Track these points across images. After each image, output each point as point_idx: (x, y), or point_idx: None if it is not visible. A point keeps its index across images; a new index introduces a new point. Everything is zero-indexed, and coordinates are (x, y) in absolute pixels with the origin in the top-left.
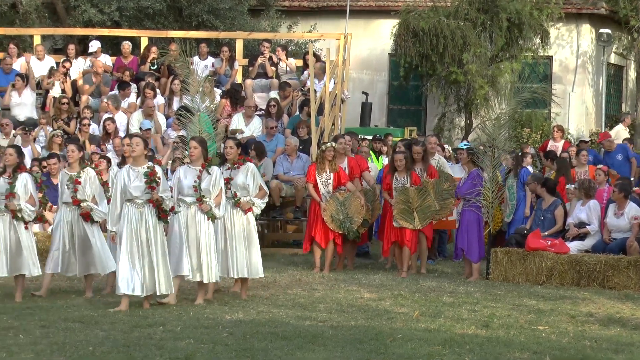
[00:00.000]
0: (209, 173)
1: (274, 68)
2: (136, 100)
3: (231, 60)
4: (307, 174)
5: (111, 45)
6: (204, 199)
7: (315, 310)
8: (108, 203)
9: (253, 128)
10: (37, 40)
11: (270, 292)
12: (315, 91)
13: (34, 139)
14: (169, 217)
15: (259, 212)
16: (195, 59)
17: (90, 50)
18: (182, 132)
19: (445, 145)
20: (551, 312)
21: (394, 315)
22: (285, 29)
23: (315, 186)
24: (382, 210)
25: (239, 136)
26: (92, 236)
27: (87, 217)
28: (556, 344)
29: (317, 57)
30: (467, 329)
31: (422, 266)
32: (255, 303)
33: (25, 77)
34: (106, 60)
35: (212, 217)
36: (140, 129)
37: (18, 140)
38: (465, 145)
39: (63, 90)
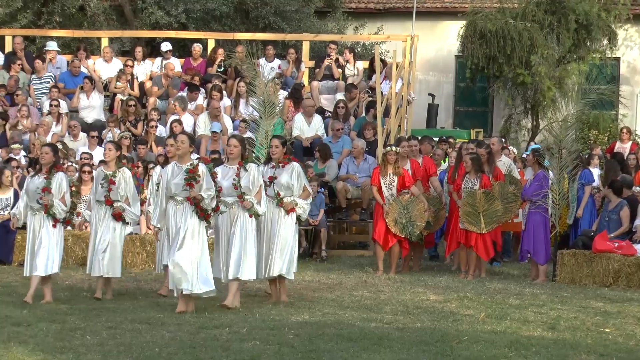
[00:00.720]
0: (246, 170)
1: (340, 70)
2: (203, 103)
3: (297, 62)
4: (372, 176)
5: (178, 48)
6: (245, 196)
7: (381, 312)
8: (142, 205)
9: (315, 127)
10: (104, 42)
11: (336, 293)
12: (381, 93)
13: (102, 141)
14: (211, 218)
15: (303, 212)
16: (262, 61)
17: (163, 50)
18: (249, 134)
19: (510, 147)
20: (618, 315)
21: (460, 317)
22: (351, 31)
23: (380, 189)
24: (449, 210)
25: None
26: (114, 237)
27: (118, 217)
28: (623, 347)
29: (383, 62)
30: (534, 331)
31: (482, 270)
32: (321, 305)
33: (93, 80)
34: (175, 62)
35: (255, 214)
36: (210, 131)
37: (85, 142)
38: (533, 147)
39: (130, 93)
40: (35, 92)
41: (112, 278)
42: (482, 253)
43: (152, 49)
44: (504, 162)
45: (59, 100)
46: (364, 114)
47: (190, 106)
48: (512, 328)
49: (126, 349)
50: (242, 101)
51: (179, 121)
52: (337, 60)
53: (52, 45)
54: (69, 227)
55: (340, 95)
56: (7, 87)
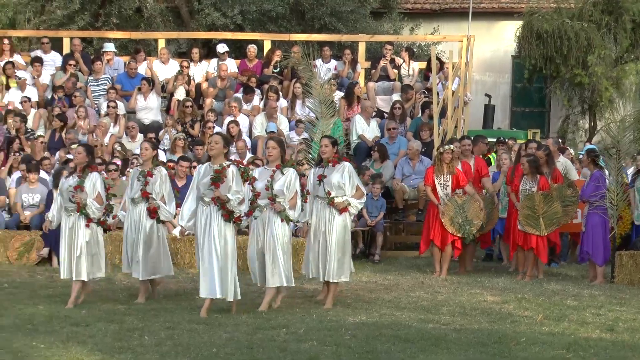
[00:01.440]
0: (282, 174)
1: (396, 71)
2: (259, 104)
3: (353, 63)
4: (425, 176)
5: (234, 49)
6: (277, 199)
7: (438, 313)
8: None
9: (374, 128)
10: (161, 44)
11: (393, 294)
12: (437, 93)
13: (159, 142)
14: (241, 222)
15: (356, 212)
16: (318, 61)
17: (219, 51)
18: (305, 135)
19: (568, 148)
20: None
21: (517, 318)
22: (407, 32)
23: (434, 189)
24: (508, 212)
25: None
26: (156, 236)
27: (153, 213)
28: None
29: (441, 61)
30: (592, 332)
31: (539, 271)
32: (378, 305)
33: (151, 81)
34: (231, 63)
35: (287, 219)
36: (266, 131)
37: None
38: (587, 147)
39: (187, 93)
40: (93, 94)
41: (157, 281)
42: (542, 255)
43: (208, 50)
44: (562, 163)
45: (117, 101)
46: (419, 115)
47: (246, 107)
48: (570, 329)
49: (184, 350)
50: (298, 102)
51: (235, 122)
52: (392, 60)
53: (110, 47)
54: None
55: (396, 96)
56: (65, 89)
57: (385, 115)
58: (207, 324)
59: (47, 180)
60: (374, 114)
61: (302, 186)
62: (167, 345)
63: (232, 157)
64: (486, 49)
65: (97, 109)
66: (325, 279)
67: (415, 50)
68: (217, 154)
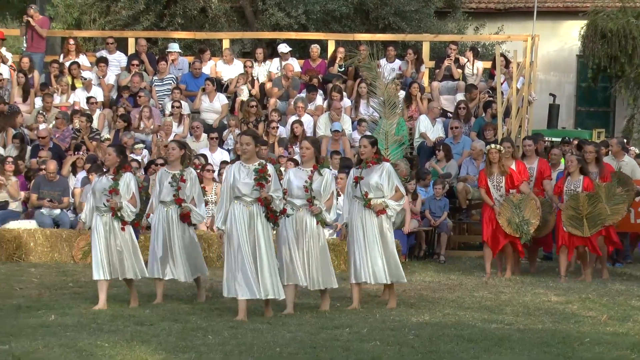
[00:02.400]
0: (320, 174)
1: (460, 70)
2: (323, 103)
3: (417, 62)
4: (479, 179)
5: (298, 49)
6: (315, 201)
7: (501, 313)
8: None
9: (439, 129)
10: (225, 44)
11: (456, 294)
12: (502, 93)
13: (222, 143)
14: (279, 220)
15: (394, 215)
16: (382, 61)
17: (282, 51)
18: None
19: (632, 148)
20: None
21: (581, 318)
22: (472, 31)
23: (488, 190)
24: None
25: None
26: (189, 238)
27: (186, 217)
28: None
29: (506, 59)
30: None
31: (603, 272)
32: (442, 305)
33: (215, 81)
34: (294, 63)
35: (322, 222)
36: (330, 131)
37: (207, 144)
38: None
39: (251, 93)
40: (157, 94)
41: (200, 277)
42: (597, 251)
43: (272, 51)
44: (627, 163)
45: (181, 101)
46: (483, 115)
47: (310, 106)
48: (635, 330)
49: (247, 349)
50: (362, 102)
51: (299, 122)
52: (457, 60)
53: (174, 47)
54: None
55: (460, 96)
56: (131, 88)
57: (449, 115)
58: (271, 324)
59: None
60: (439, 114)
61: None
62: (230, 344)
63: (296, 157)
64: (551, 48)
65: (161, 109)
66: (374, 282)
67: (479, 49)
68: (251, 155)
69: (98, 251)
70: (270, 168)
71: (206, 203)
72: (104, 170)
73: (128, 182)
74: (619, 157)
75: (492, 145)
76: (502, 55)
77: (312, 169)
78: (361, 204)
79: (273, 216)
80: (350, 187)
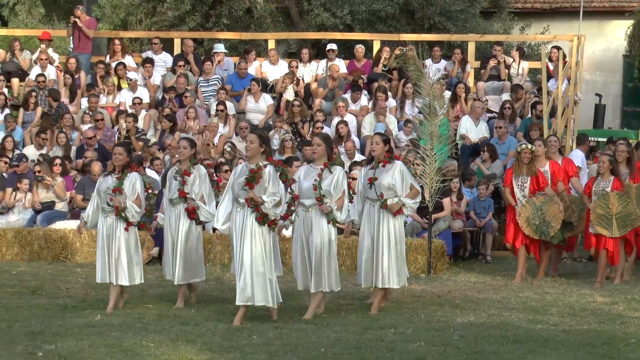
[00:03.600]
0: (330, 172)
1: (506, 70)
2: (367, 104)
3: (463, 62)
4: (505, 178)
5: (343, 49)
6: (325, 200)
7: (547, 314)
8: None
9: (482, 129)
10: (271, 44)
11: (501, 295)
12: (548, 93)
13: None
14: (275, 225)
15: (411, 213)
16: (428, 61)
17: (328, 50)
18: (414, 135)
19: None
20: None
21: (627, 319)
22: (517, 31)
23: (512, 190)
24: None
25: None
26: (194, 239)
27: (192, 213)
28: None
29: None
30: None
31: (624, 273)
32: (487, 306)
33: (261, 82)
34: (340, 63)
35: (333, 221)
36: (374, 131)
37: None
38: None
39: (296, 94)
40: (203, 94)
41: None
42: (616, 257)
43: (317, 51)
44: None
45: (226, 102)
46: (529, 115)
47: (355, 107)
48: None
49: (292, 349)
50: (407, 102)
51: (344, 122)
52: (503, 61)
53: (220, 48)
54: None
55: (506, 96)
56: (177, 88)
57: (495, 114)
58: (315, 324)
59: (157, 180)
60: (483, 114)
61: (349, 186)
62: (275, 344)
63: (342, 157)
64: (597, 48)
65: (207, 109)
66: (378, 285)
67: (525, 49)
68: (254, 154)
69: (100, 254)
70: (269, 170)
71: None
72: (111, 168)
73: (134, 182)
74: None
75: (525, 145)
76: (556, 47)
77: (322, 166)
78: (374, 206)
79: (262, 219)
80: (363, 187)
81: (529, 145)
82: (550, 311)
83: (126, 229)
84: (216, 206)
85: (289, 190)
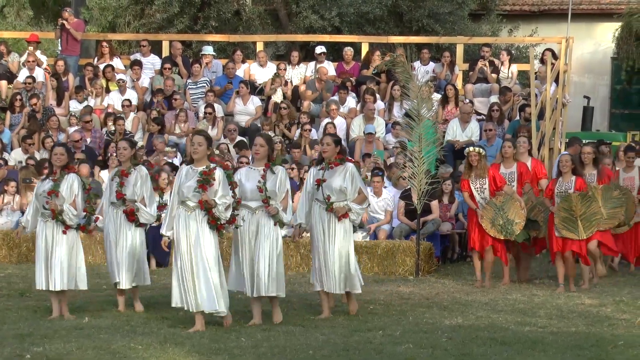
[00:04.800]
0: (273, 173)
1: (495, 75)
2: (356, 106)
3: (451, 65)
4: (461, 183)
5: (332, 52)
6: (271, 201)
7: (535, 316)
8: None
9: (470, 133)
10: (259, 47)
11: (489, 297)
12: (536, 95)
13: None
14: (226, 229)
15: (357, 218)
16: (417, 64)
17: (316, 52)
18: (402, 138)
19: None
20: None
21: (615, 321)
22: (506, 33)
23: (471, 195)
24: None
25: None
26: (135, 240)
27: (131, 215)
28: None
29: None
30: None
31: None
32: (475, 308)
33: (249, 84)
34: (328, 66)
35: (280, 223)
36: (364, 133)
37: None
38: None
39: (284, 95)
40: (191, 97)
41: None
42: (587, 261)
43: (306, 53)
44: None
45: (215, 104)
46: (517, 117)
47: (343, 109)
48: None
49: (280, 351)
50: (396, 104)
51: (332, 124)
52: (492, 63)
53: (209, 50)
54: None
55: (494, 98)
56: (165, 91)
57: (483, 117)
58: (304, 326)
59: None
60: (472, 116)
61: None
62: (263, 347)
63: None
64: (585, 51)
65: (195, 112)
66: (328, 290)
67: (513, 52)
68: (201, 157)
69: (38, 259)
70: (219, 172)
71: None
72: (49, 171)
73: (71, 184)
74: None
75: (472, 148)
76: (548, 50)
77: (264, 168)
78: (322, 208)
79: (214, 222)
80: (311, 188)
81: (477, 148)
82: (539, 313)
83: (64, 232)
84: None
85: (232, 193)
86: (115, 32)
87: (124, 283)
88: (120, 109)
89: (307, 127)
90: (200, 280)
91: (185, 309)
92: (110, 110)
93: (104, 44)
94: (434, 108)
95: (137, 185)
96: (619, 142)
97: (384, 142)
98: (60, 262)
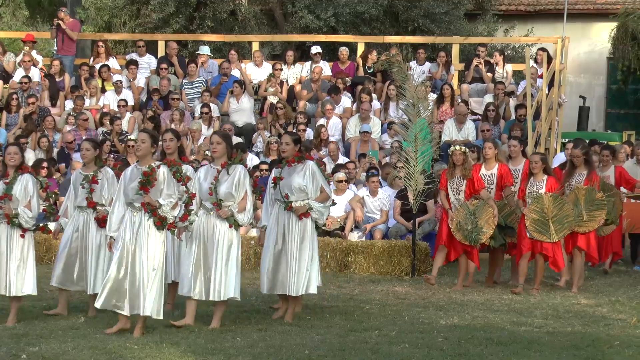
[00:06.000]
0: (228, 173)
1: (490, 74)
2: (352, 106)
3: (447, 65)
4: (440, 180)
5: (328, 52)
6: (223, 203)
7: (531, 316)
8: None
9: (466, 134)
10: (255, 46)
11: (485, 297)
12: (532, 95)
13: (252, 145)
14: (178, 227)
15: (320, 217)
16: (413, 64)
17: (312, 52)
18: (397, 138)
19: None
20: None
21: (611, 321)
22: (501, 33)
23: (447, 193)
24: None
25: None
26: (105, 246)
27: (103, 222)
28: None
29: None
30: None
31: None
32: (471, 308)
33: (244, 84)
34: (324, 66)
35: (236, 225)
36: (359, 132)
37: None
38: None
39: (279, 96)
40: (187, 97)
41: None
42: (559, 262)
43: (302, 53)
44: None
45: (211, 104)
46: (513, 117)
47: (338, 109)
48: None
49: (276, 351)
50: (392, 104)
51: (323, 125)
52: (487, 63)
53: (205, 50)
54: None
55: (489, 98)
56: (160, 91)
57: (479, 117)
58: (299, 326)
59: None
60: (467, 116)
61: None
62: (259, 346)
63: (325, 160)
64: (581, 50)
65: (191, 112)
66: (285, 293)
67: (509, 52)
68: (145, 154)
69: None
70: (162, 170)
71: None
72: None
73: (25, 184)
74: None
75: (456, 147)
76: (542, 49)
77: (219, 167)
78: (280, 207)
79: (160, 224)
80: (270, 188)
81: (463, 148)
82: (534, 313)
83: (22, 236)
84: None
85: (184, 188)
86: (111, 32)
87: (91, 289)
88: (116, 109)
89: (302, 127)
90: (143, 283)
91: (125, 313)
92: (105, 110)
93: (100, 43)
94: (429, 108)
95: (103, 188)
96: (614, 142)
97: (380, 142)
98: (16, 267)
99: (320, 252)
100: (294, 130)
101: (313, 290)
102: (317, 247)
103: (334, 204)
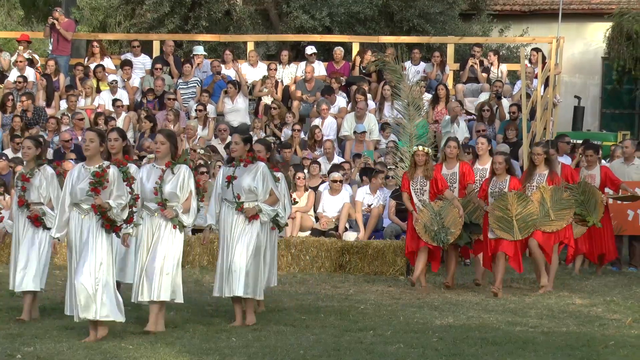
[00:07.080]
0: (173, 173)
1: (485, 74)
2: (346, 106)
3: (442, 65)
4: (402, 182)
5: (323, 51)
6: (167, 204)
7: (526, 316)
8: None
9: (462, 132)
10: (250, 46)
11: (480, 297)
12: (527, 95)
13: None
14: (123, 230)
15: (268, 219)
16: (408, 64)
17: (307, 53)
18: (392, 138)
19: None
20: None
21: (606, 321)
22: (496, 33)
23: (411, 195)
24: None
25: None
26: (37, 246)
27: (36, 221)
28: None
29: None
30: None
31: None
32: (466, 308)
33: (238, 84)
34: (319, 66)
35: (180, 226)
36: (354, 132)
37: None
38: None
39: (274, 96)
40: (182, 97)
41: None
42: (516, 263)
43: (297, 53)
44: (637, 166)
45: (206, 104)
46: (507, 117)
47: (333, 109)
48: None
49: (271, 351)
50: (386, 104)
51: (317, 126)
52: (482, 63)
53: (200, 50)
54: None
55: (484, 98)
56: (155, 91)
57: (474, 116)
58: (294, 326)
59: None
60: (462, 115)
61: (198, 185)
62: (254, 346)
63: (320, 160)
64: (576, 50)
65: (186, 112)
66: (229, 294)
67: (503, 52)
68: (93, 154)
69: None
70: (112, 171)
71: None
72: None
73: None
74: (630, 160)
75: (419, 147)
76: (535, 49)
77: (164, 167)
78: (230, 208)
79: (109, 227)
80: (221, 187)
81: (425, 148)
82: (529, 313)
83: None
84: None
85: (128, 190)
86: (106, 32)
87: (35, 286)
88: (111, 108)
89: (297, 127)
90: (93, 286)
91: (67, 313)
92: (100, 110)
93: (95, 43)
94: (424, 108)
95: (42, 187)
96: (610, 142)
97: (375, 142)
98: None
99: (316, 252)
100: (289, 131)
101: (259, 295)
102: (275, 247)
103: (295, 202)
